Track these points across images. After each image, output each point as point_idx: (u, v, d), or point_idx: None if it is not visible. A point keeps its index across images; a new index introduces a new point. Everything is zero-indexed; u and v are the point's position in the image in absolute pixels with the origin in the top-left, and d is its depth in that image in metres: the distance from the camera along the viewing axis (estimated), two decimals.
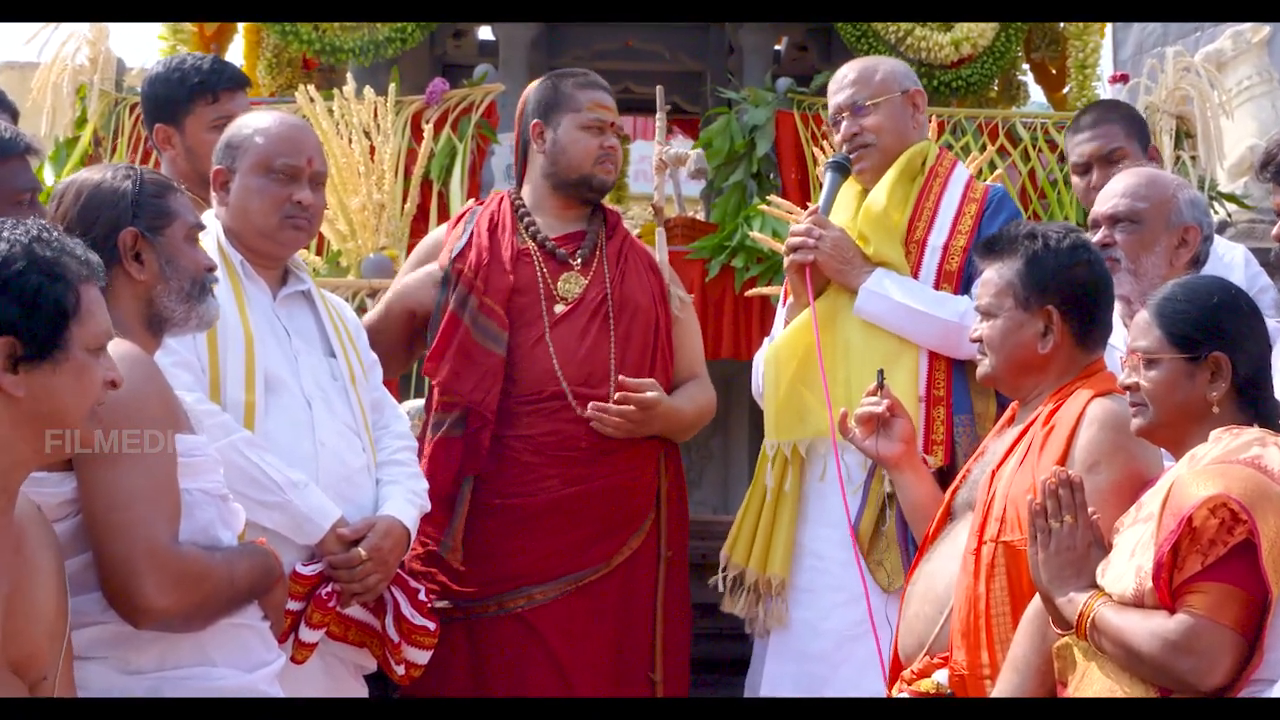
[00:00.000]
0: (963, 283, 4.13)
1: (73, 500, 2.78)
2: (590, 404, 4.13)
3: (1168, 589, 2.76)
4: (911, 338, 4.12)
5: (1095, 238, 3.86)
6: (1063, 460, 3.23)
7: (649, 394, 4.16)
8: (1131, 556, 2.88)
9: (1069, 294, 3.44)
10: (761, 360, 4.36)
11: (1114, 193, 3.88)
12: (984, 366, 3.54)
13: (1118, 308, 3.82)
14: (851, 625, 4.01)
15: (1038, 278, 3.44)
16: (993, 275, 3.52)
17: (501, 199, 4.47)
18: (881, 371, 3.91)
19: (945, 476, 3.93)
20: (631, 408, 4.13)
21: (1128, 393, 3.14)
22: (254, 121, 3.79)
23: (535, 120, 4.43)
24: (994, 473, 3.39)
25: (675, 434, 4.34)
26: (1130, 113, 4.78)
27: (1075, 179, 4.68)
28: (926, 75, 7.64)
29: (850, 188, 4.38)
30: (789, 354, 4.19)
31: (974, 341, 3.58)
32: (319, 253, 6.25)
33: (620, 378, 4.16)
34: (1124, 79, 7.21)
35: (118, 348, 2.79)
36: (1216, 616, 2.71)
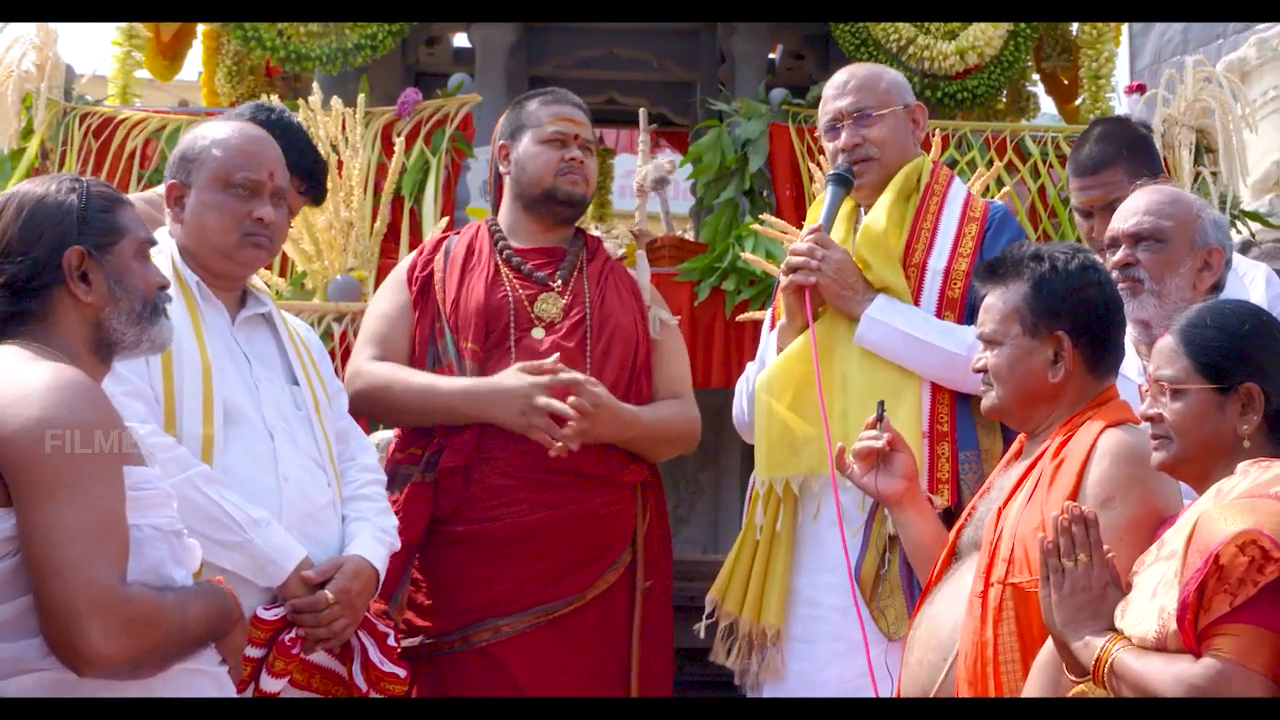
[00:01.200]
0: (966, 310, 4.11)
1: (11, 538, 2.74)
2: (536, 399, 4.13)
3: (1193, 631, 2.74)
4: (914, 369, 4.11)
5: (1115, 257, 3.84)
6: (1074, 496, 3.22)
7: (595, 389, 4.15)
8: (1153, 597, 2.86)
9: (1080, 318, 3.44)
10: (744, 386, 4.35)
11: (1136, 209, 3.87)
12: (990, 399, 3.53)
13: (1133, 332, 3.81)
14: (851, 677, 3.99)
15: (1046, 302, 3.44)
16: (996, 301, 3.51)
17: (479, 227, 4.55)
18: (882, 403, 3.89)
19: (952, 517, 3.91)
20: (566, 377, 4.13)
21: (1148, 424, 3.12)
22: (211, 132, 3.77)
23: (501, 143, 4.57)
24: (1001, 510, 3.38)
25: (636, 445, 4.32)
26: (1132, 140, 4.66)
27: (1078, 218, 4.65)
28: (930, 86, 7.67)
29: (843, 206, 4.37)
30: (782, 383, 4.17)
31: (978, 372, 3.56)
32: (283, 274, 6.23)
33: (554, 356, 4.16)
34: (1140, 89, 7.22)
35: (61, 375, 2.77)
36: (1246, 661, 2.69)
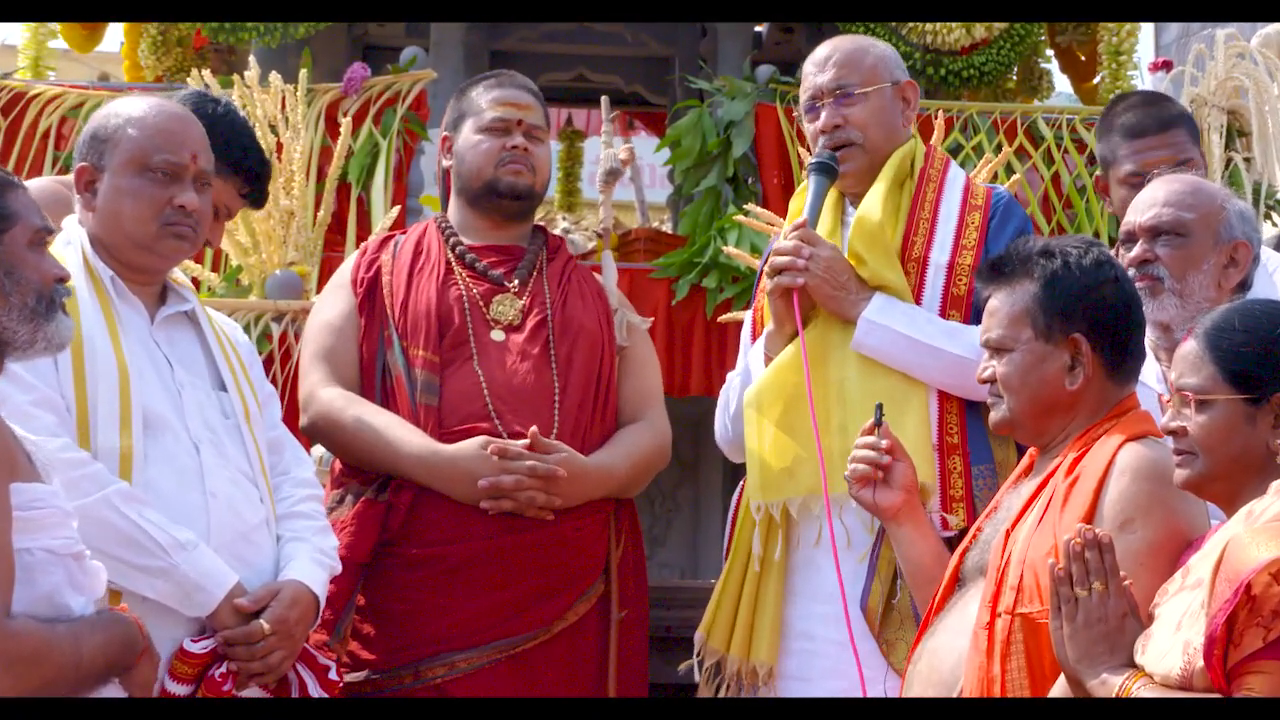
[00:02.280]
0: (973, 309, 4.10)
1: None
2: (480, 480, 4.12)
3: (1222, 668, 2.73)
4: (919, 376, 4.09)
5: (1132, 253, 3.84)
6: (1089, 517, 3.21)
7: (558, 456, 4.16)
8: (1177, 630, 2.85)
9: (1098, 318, 3.43)
10: (727, 400, 4.33)
11: (1154, 201, 3.87)
12: (999, 411, 3.52)
13: (1151, 336, 3.81)
14: None
15: (1061, 301, 3.43)
16: (1003, 303, 3.50)
17: (428, 225, 4.58)
18: (880, 407, 3.88)
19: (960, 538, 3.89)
20: (529, 464, 4.12)
21: (1170, 438, 3.11)
22: (125, 109, 3.73)
23: (444, 134, 4.61)
24: (1008, 532, 3.37)
25: (611, 495, 4.33)
26: (1185, 112, 4.76)
27: (1122, 191, 4.60)
28: (933, 63, 7.66)
29: (828, 196, 4.35)
30: (773, 396, 4.15)
31: (984, 383, 3.55)
32: (215, 268, 6.20)
33: (532, 429, 4.14)
34: (1166, 66, 7.21)
35: None
36: None
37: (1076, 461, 3.34)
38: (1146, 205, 3.88)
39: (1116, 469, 3.26)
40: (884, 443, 3.83)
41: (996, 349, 3.50)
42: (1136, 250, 3.83)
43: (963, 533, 3.87)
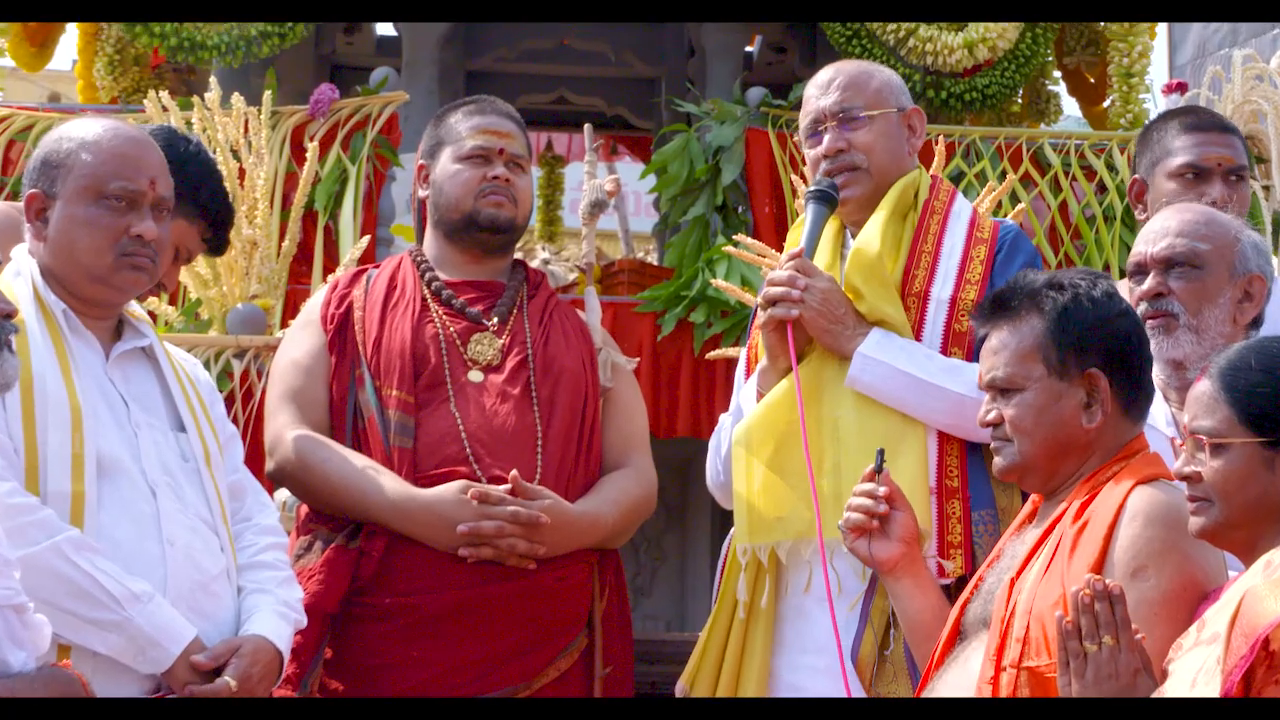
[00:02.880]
0: (976, 346, 4.10)
1: None
2: (459, 526, 4.12)
3: None
4: (918, 415, 4.09)
5: (1144, 286, 3.84)
6: (1099, 564, 3.20)
7: (542, 502, 4.15)
8: (1192, 687, 2.85)
9: (1114, 352, 3.43)
10: (718, 442, 4.33)
11: (1165, 231, 3.88)
12: (1008, 457, 3.50)
13: (1162, 374, 3.81)
14: None
15: (1075, 336, 3.43)
16: (1007, 339, 3.49)
17: (402, 259, 4.58)
18: (881, 452, 3.87)
19: (962, 588, 3.89)
20: (511, 510, 4.11)
21: (1184, 484, 3.11)
22: (79, 132, 3.72)
23: (420, 162, 4.61)
24: (1013, 582, 3.36)
25: (597, 545, 4.33)
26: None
27: (1169, 185, 4.61)
28: (933, 85, 7.69)
29: (827, 226, 4.35)
30: (763, 435, 4.15)
31: (987, 426, 3.54)
32: (173, 302, 6.20)
33: (513, 473, 4.14)
34: (1180, 89, 7.24)
35: None
36: None
37: (1085, 506, 3.33)
38: (1158, 235, 3.88)
39: (1128, 514, 3.25)
40: (882, 490, 3.81)
41: (1004, 389, 3.49)
42: (1148, 283, 3.83)
43: (961, 581, 3.88)
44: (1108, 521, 3.26)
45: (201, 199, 4.02)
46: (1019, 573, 3.37)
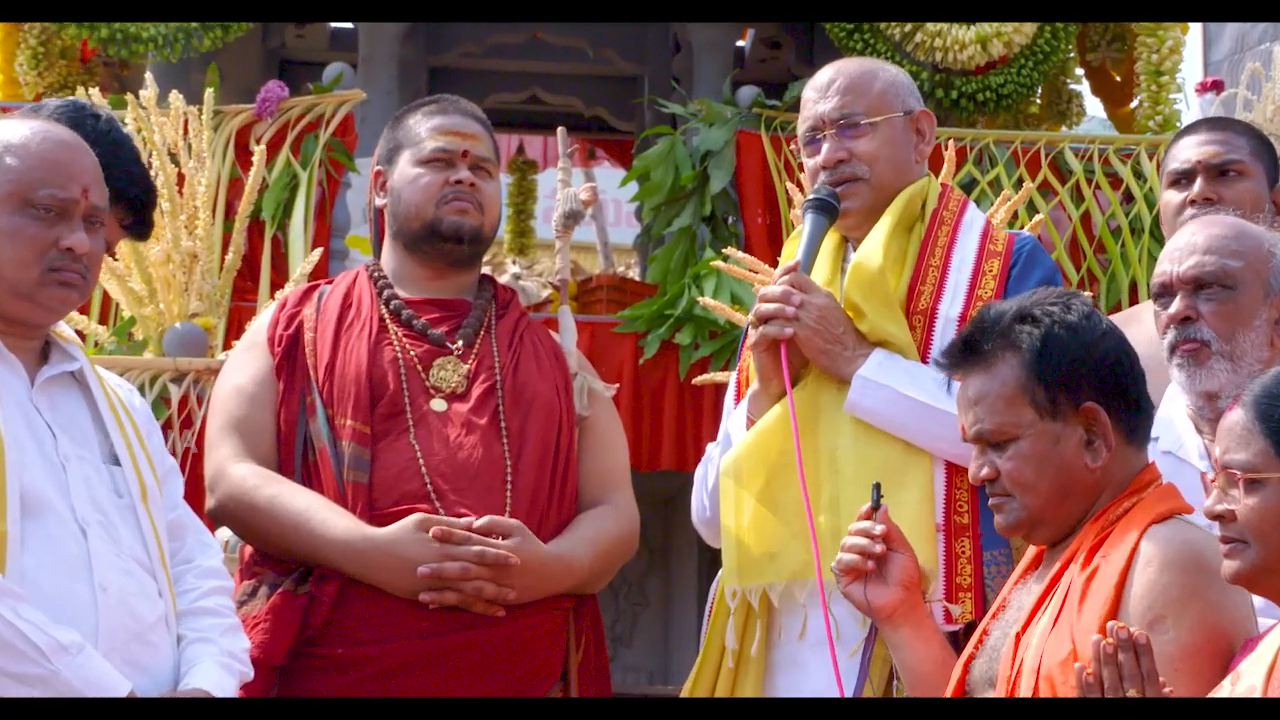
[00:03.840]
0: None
1: None
2: (419, 568, 4.12)
3: None
4: (923, 444, 4.10)
5: (1170, 310, 3.83)
6: (1112, 614, 3.19)
7: (512, 541, 4.14)
8: None
9: (1107, 380, 3.41)
10: (705, 474, 4.34)
11: (1191, 247, 3.85)
12: (1011, 513, 3.46)
13: (1192, 404, 3.81)
14: None
15: (1062, 369, 3.40)
16: (987, 387, 3.45)
17: (357, 274, 4.58)
18: (878, 486, 3.86)
19: (972, 633, 3.89)
20: (477, 549, 4.11)
21: (1216, 524, 3.12)
22: (3, 134, 3.70)
23: (377, 168, 4.61)
24: (1018, 637, 3.37)
25: (572, 590, 4.33)
26: (1260, 135, 4.84)
27: (1169, 195, 4.69)
28: (943, 84, 7.72)
29: (827, 239, 4.36)
30: (754, 465, 4.16)
31: (982, 482, 3.53)
32: (104, 320, 6.21)
33: (487, 519, 4.14)
34: (1216, 87, 7.27)
35: None
36: None
37: (1094, 550, 3.30)
38: (1184, 252, 3.85)
39: (1142, 558, 3.22)
40: (879, 529, 3.77)
41: (992, 442, 3.46)
42: (1175, 306, 3.81)
43: (970, 627, 3.88)
44: (1120, 567, 3.23)
45: (116, 181, 3.96)
46: (1025, 626, 3.36)
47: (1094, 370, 3.40)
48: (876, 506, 3.80)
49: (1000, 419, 3.43)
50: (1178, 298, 3.82)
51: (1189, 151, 4.66)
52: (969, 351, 3.49)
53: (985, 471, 3.47)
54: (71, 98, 4.90)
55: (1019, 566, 3.63)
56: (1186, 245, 3.85)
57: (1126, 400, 3.42)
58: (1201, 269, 3.81)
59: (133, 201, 4.23)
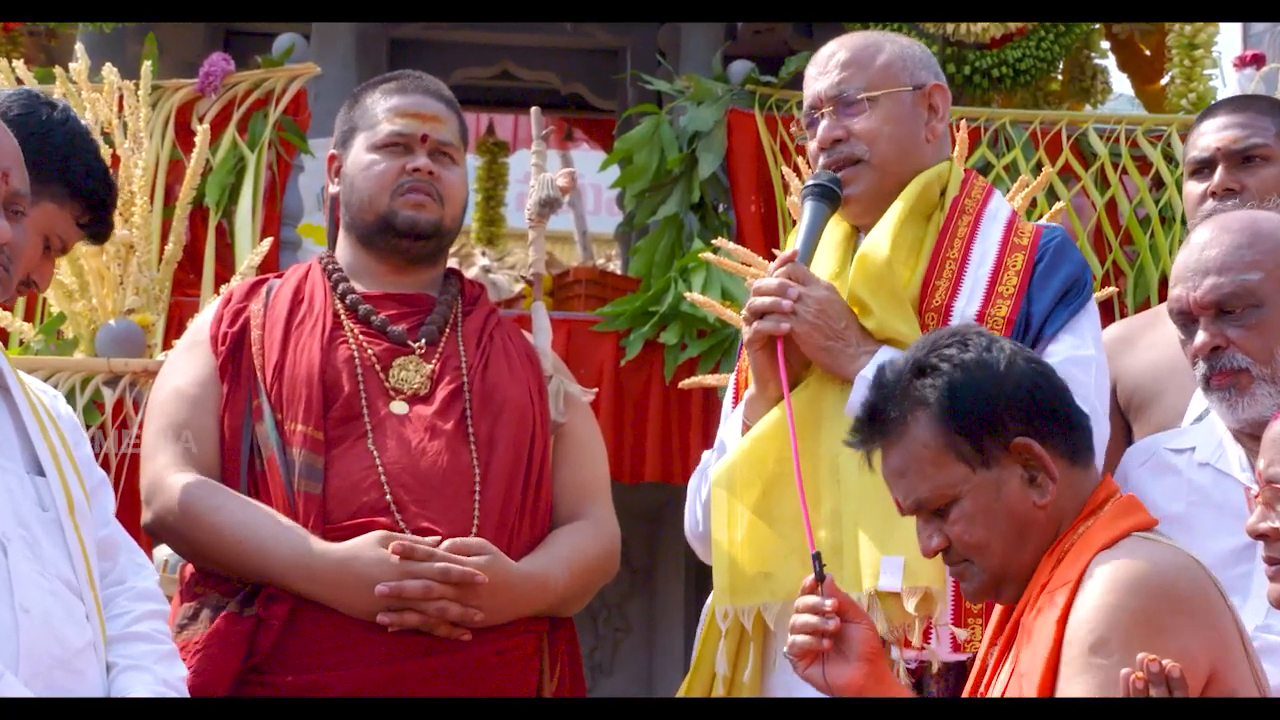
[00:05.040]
0: None
1: None
2: (378, 587, 4.11)
3: None
4: None
5: (1197, 340, 3.80)
6: (1056, 650, 3.16)
7: (479, 559, 4.13)
8: None
9: (1028, 408, 3.38)
10: (699, 485, 4.33)
11: (1204, 267, 3.80)
12: (974, 579, 3.42)
13: (1227, 423, 3.79)
14: None
15: (978, 412, 3.38)
16: (907, 454, 3.42)
17: (310, 267, 4.58)
18: (818, 557, 3.72)
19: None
20: (441, 567, 4.10)
21: (1262, 542, 3.10)
22: None
23: (332, 152, 4.61)
24: (974, 691, 3.38)
25: (545, 612, 4.33)
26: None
27: (1190, 186, 4.71)
28: (955, 59, 7.72)
29: (832, 229, 4.36)
30: (749, 476, 4.16)
31: (934, 554, 3.47)
32: (29, 317, 6.19)
33: (453, 542, 4.12)
34: (1256, 61, 7.27)
35: None
36: None
37: (1043, 589, 3.29)
38: (1197, 273, 3.81)
39: (1088, 581, 3.20)
40: (829, 603, 3.68)
41: (934, 512, 3.42)
42: (1201, 338, 3.76)
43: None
44: (1063, 600, 3.21)
45: (72, 176, 3.97)
46: (985, 682, 3.39)
47: (1011, 402, 3.37)
48: (821, 579, 3.69)
49: (932, 484, 3.40)
50: (1201, 327, 3.79)
51: (1208, 138, 4.68)
52: (874, 422, 3.47)
53: (936, 542, 3.43)
54: (24, 87, 4.90)
55: (989, 625, 3.61)
56: (1198, 264, 3.82)
57: (1057, 421, 3.40)
58: (1219, 292, 3.78)
59: (90, 198, 4.22)
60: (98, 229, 4.31)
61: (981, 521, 3.37)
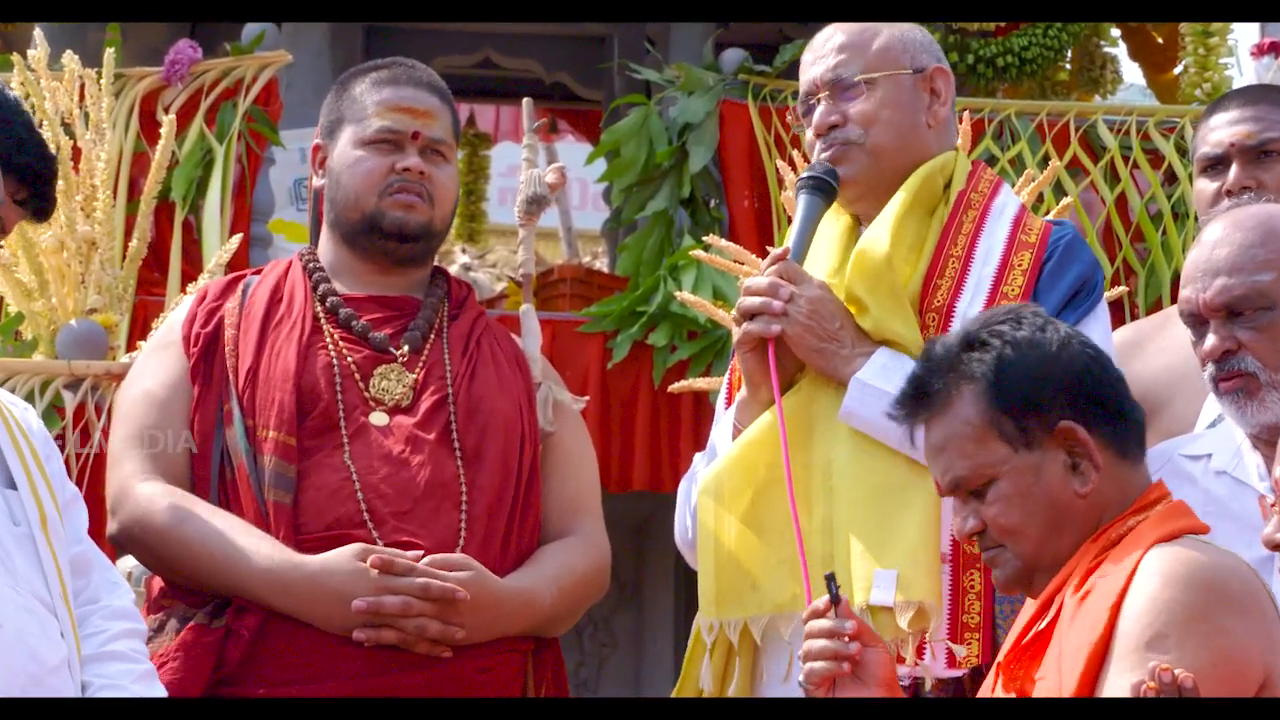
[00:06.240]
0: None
1: None
2: (354, 602, 4.13)
3: None
4: None
5: (1206, 344, 3.81)
6: (1107, 636, 3.19)
7: (461, 574, 4.14)
8: None
9: (1077, 392, 3.40)
10: (689, 491, 4.34)
11: (1214, 268, 3.80)
12: (1007, 566, 3.41)
13: (1240, 426, 3.81)
14: None
15: (1025, 391, 3.39)
16: (949, 428, 3.43)
17: (289, 264, 4.54)
18: (832, 577, 3.69)
19: (980, 680, 3.90)
20: (421, 582, 4.11)
21: (1278, 554, 3.12)
22: None
23: (317, 142, 4.57)
24: (1001, 666, 3.39)
25: (531, 631, 4.35)
26: None
27: (1201, 183, 4.70)
28: (958, 47, 7.74)
29: (832, 224, 4.37)
30: (738, 483, 4.16)
31: (969, 537, 3.49)
32: None
33: (438, 555, 4.13)
34: (1275, 49, 7.28)
35: None
36: None
37: (1090, 572, 3.30)
38: (1206, 274, 3.81)
39: (1142, 573, 3.20)
40: (849, 625, 3.65)
41: (972, 489, 3.43)
42: (1211, 342, 3.76)
43: (977, 673, 3.89)
44: (1119, 585, 3.21)
45: (2, 150, 3.95)
46: (1010, 653, 3.39)
47: (1061, 385, 3.39)
48: (836, 600, 3.65)
49: (972, 461, 3.41)
50: (1210, 330, 3.79)
51: (1220, 132, 4.66)
52: (920, 396, 3.48)
53: (971, 524, 3.44)
54: None
55: (1021, 616, 3.57)
56: (1207, 265, 3.81)
57: (1106, 410, 3.41)
58: (1230, 294, 3.77)
59: (24, 172, 4.19)
60: (38, 205, 4.27)
61: (1019, 505, 3.38)
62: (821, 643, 3.61)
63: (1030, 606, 3.53)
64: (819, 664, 3.60)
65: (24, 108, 4.25)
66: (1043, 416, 3.36)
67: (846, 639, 3.59)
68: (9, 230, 4.18)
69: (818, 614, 3.64)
